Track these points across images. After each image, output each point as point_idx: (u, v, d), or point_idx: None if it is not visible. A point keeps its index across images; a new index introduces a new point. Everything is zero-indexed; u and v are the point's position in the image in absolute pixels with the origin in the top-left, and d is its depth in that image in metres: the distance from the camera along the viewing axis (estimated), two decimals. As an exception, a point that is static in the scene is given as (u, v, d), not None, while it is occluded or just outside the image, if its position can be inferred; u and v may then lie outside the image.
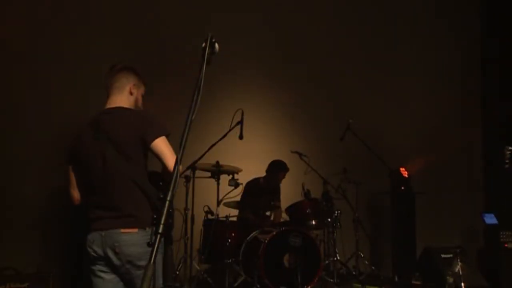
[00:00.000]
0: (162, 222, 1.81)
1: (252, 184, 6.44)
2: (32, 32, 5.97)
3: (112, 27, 6.35)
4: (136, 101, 3.09)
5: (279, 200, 6.64)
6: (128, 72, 3.09)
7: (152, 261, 1.76)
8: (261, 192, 6.44)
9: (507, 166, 4.01)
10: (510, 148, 4.03)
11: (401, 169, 7.30)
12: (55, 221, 5.83)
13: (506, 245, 6.48)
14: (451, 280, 5.82)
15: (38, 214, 5.71)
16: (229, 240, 5.75)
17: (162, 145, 2.77)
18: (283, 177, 6.52)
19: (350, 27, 7.77)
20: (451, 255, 6.19)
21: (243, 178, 6.04)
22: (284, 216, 6.46)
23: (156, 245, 1.79)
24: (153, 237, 1.80)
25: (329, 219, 6.22)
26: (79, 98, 5.88)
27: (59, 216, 5.84)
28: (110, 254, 2.79)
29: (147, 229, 2.75)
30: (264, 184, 6.52)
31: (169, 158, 2.74)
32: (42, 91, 5.88)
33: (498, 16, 7.83)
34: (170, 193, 1.86)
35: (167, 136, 2.83)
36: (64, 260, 5.79)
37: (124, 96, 3.03)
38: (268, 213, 6.57)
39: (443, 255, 6.20)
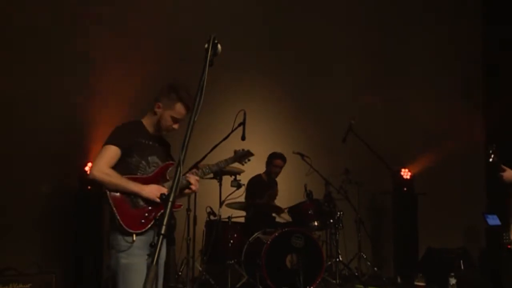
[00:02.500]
0: (164, 223, 1.81)
1: (254, 181, 6.48)
2: (37, 29, 5.99)
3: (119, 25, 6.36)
4: (159, 120, 3.22)
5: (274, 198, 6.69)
6: (162, 91, 3.22)
7: (154, 262, 1.76)
8: (265, 186, 6.53)
9: (490, 160, 3.95)
10: (494, 145, 3.98)
11: (403, 170, 7.30)
12: (56, 221, 5.84)
13: (509, 246, 6.46)
14: (453, 281, 5.82)
15: (38, 214, 5.72)
16: (231, 241, 5.75)
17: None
18: (281, 165, 6.55)
19: (353, 27, 7.76)
20: (453, 256, 6.20)
21: (246, 179, 6.03)
22: (287, 217, 6.46)
23: (158, 246, 1.79)
24: (156, 238, 1.80)
25: (331, 220, 6.22)
26: (82, 99, 5.89)
27: (60, 216, 5.85)
28: None
29: None
30: (266, 178, 6.59)
31: (93, 162, 3.11)
32: (43, 91, 5.88)
33: (500, 17, 7.81)
34: (172, 195, 1.85)
35: (110, 144, 3.09)
36: (67, 260, 5.80)
37: (149, 112, 3.25)
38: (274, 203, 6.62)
39: (445, 256, 6.20)
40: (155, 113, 3.22)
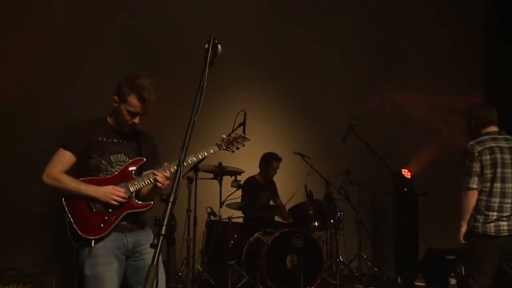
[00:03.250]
0: (165, 223, 1.81)
1: (248, 182, 6.45)
2: (36, 33, 5.98)
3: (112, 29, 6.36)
4: (117, 113, 3.07)
5: (278, 197, 6.65)
6: (118, 84, 3.06)
7: (155, 262, 1.76)
8: (259, 187, 6.48)
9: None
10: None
11: (404, 170, 7.29)
12: (56, 221, 5.82)
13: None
14: (454, 281, 5.81)
15: (38, 214, 5.71)
16: (232, 242, 5.75)
17: None
18: (277, 167, 6.53)
19: (354, 27, 7.77)
20: (454, 256, 6.18)
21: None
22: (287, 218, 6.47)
23: (158, 247, 1.79)
24: (156, 239, 1.80)
25: (331, 220, 6.23)
26: (79, 98, 5.88)
27: (60, 216, 5.84)
28: None
29: None
30: (261, 179, 6.54)
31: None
32: (41, 91, 5.87)
33: (499, 17, 7.81)
34: (172, 195, 1.85)
35: (63, 147, 3.05)
36: (67, 260, 5.79)
37: (112, 109, 3.12)
38: (277, 218, 6.60)
39: (446, 256, 6.19)
40: (114, 109, 3.08)
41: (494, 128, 4.24)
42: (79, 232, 2.91)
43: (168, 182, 2.99)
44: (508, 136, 4.21)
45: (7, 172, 5.58)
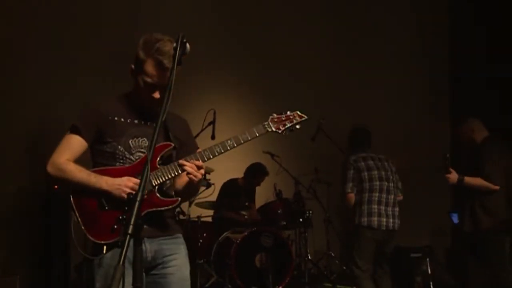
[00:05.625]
0: (132, 222, 1.80)
1: (230, 185, 6.44)
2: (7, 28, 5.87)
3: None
4: (135, 87, 2.51)
5: (253, 202, 6.65)
6: (137, 46, 2.48)
7: (121, 262, 1.74)
8: (239, 192, 6.44)
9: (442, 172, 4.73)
10: (448, 154, 4.77)
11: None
12: (23, 221, 5.72)
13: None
14: (419, 279, 5.92)
15: (4, 214, 5.60)
16: (201, 241, 5.74)
17: None
18: (263, 180, 6.54)
19: (322, 27, 7.82)
20: (420, 254, 6.30)
21: (215, 178, 6.01)
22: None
23: (125, 246, 1.77)
24: (122, 238, 1.78)
25: (300, 219, 6.26)
26: (52, 95, 5.79)
27: (27, 216, 5.74)
28: None
29: None
30: (243, 184, 6.52)
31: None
32: (15, 87, 5.77)
33: (466, 17, 7.93)
34: (140, 194, 1.83)
35: (70, 131, 2.50)
36: (34, 261, 5.69)
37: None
38: (244, 213, 6.58)
39: (412, 255, 6.30)
40: (135, 83, 2.51)
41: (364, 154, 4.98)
42: (88, 236, 2.36)
43: (202, 172, 2.45)
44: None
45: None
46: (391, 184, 4.87)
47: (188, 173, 2.41)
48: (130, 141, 2.48)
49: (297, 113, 2.87)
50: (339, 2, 7.99)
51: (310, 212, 6.36)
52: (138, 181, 2.35)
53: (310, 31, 7.71)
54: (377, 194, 4.76)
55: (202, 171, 2.45)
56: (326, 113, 6.96)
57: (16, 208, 5.75)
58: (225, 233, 5.83)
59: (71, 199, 2.41)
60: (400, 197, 4.98)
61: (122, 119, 2.50)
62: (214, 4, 7.22)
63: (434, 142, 7.87)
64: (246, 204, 6.39)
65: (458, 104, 7.90)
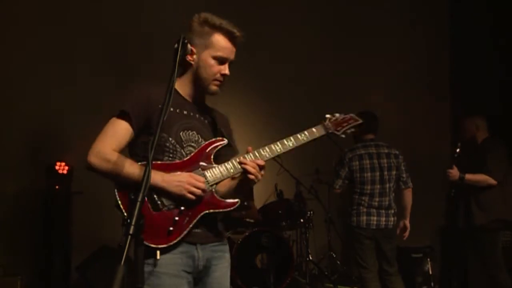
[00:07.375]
0: (133, 223, 1.79)
1: None
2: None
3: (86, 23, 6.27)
4: (197, 72, 2.31)
5: (252, 199, 6.64)
6: (190, 30, 2.35)
7: (122, 262, 1.74)
8: None
9: (455, 155, 4.77)
10: (460, 144, 4.80)
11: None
12: (23, 221, 5.72)
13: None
14: (420, 279, 5.91)
15: (4, 214, 5.61)
16: (202, 241, 5.72)
17: None
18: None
19: (323, 29, 7.80)
20: (421, 255, 6.29)
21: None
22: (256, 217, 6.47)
23: (126, 247, 1.76)
24: (123, 239, 1.77)
25: (301, 220, 6.25)
26: (53, 95, 5.79)
27: (27, 217, 5.74)
28: None
29: None
30: None
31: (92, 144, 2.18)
32: (16, 87, 5.77)
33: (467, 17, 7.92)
34: (141, 194, 1.82)
35: (117, 116, 2.21)
36: (35, 262, 5.69)
37: (180, 72, 2.32)
38: (244, 212, 6.57)
39: (413, 255, 6.29)
40: (188, 66, 2.30)
41: (371, 136, 4.97)
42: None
43: (263, 173, 2.29)
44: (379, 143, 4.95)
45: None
46: (386, 185, 4.85)
47: (248, 173, 2.23)
48: (181, 133, 2.26)
49: (352, 116, 2.76)
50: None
51: (311, 212, 6.35)
52: (201, 178, 2.16)
53: (310, 31, 7.69)
54: (367, 198, 4.79)
55: (263, 172, 2.28)
56: (327, 113, 6.94)
57: (16, 208, 5.75)
58: (226, 233, 5.81)
59: (116, 195, 2.11)
60: (409, 190, 5.00)
61: (172, 109, 2.21)
62: (214, 4, 7.19)
63: (434, 140, 7.87)
64: (245, 203, 6.39)
65: (458, 104, 7.89)
